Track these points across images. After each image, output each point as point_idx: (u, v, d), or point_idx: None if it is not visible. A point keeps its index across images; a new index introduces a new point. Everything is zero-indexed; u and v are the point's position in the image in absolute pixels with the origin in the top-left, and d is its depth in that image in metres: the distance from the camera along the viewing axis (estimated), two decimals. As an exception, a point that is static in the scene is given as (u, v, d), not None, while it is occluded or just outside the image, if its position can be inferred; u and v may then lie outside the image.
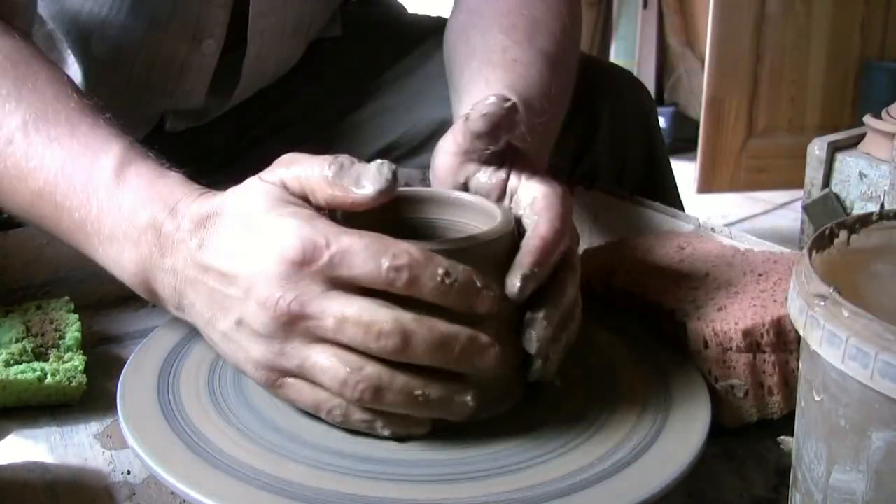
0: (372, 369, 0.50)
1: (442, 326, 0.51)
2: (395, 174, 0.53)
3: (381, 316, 0.50)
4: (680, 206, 1.04)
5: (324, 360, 0.51)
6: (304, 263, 0.51)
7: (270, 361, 0.53)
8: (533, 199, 0.59)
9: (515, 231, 0.58)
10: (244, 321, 0.53)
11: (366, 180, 0.53)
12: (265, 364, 0.53)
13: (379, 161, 0.54)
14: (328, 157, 0.55)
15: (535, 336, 0.54)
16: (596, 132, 0.97)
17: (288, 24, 0.96)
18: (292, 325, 0.51)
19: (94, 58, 0.78)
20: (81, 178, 0.61)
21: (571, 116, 0.93)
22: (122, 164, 0.61)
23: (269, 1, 0.91)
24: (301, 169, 0.55)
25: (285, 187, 0.55)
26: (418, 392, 0.51)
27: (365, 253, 0.50)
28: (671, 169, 1.06)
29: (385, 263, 0.50)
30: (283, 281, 0.51)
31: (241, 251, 0.53)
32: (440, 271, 0.50)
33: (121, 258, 0.60)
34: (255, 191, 0.55)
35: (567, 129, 0.93)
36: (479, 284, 0.51)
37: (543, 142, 0.72)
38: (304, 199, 0.55)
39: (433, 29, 1.05)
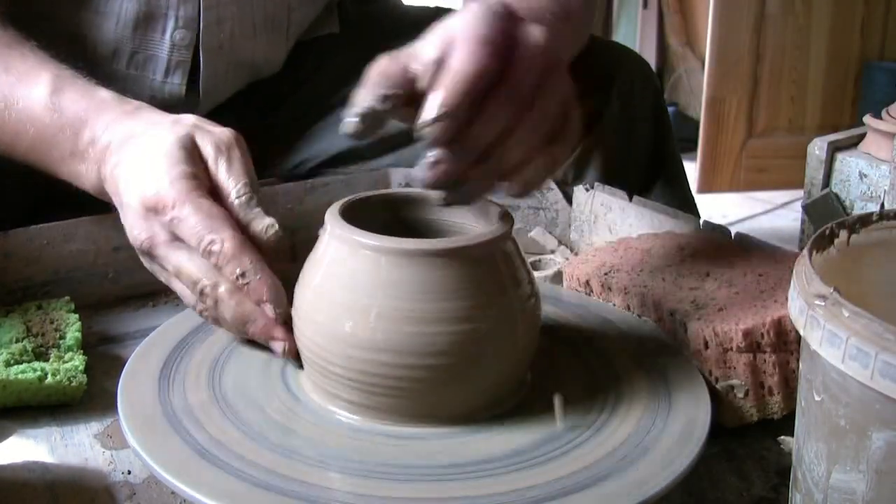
0: (207, 303, 0.60)
1: (247, 307, 0.59)
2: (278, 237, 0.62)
3: (204, 278, 0.60)
4: (689, 192, 1.03)
5: (179, 287, 0.63)
6: (154, 212, 0.61)
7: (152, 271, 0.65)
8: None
9: (512, 233, 0.58)
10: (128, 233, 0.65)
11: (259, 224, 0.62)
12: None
13: (269, 221, 0.62)
14: (244, 177, 0.63)
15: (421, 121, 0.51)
16: (605, 111, 0.96)
17: (258, 18, 0.96)
18: (150, 256, 0.63)
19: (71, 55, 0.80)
20: (23, 106, 0.72)
21: (580, 96, 0.92)
22: (56, 91, 0.71)
23: None
24: (232, 161, 0.63)
25: (195, 146, 0.63)
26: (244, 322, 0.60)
27: (193, 227, 0.59)
28: (679, 158, 1.05)
29: (203, 245, 0.59)
30: (140, 219, 0.62)
31: (129, 179, 0.64)
32: (238, 271, 0.59)
33: (76, 171, 0.70)
34: (168, 135, 0.64)
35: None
36: (264, 297, 0.59)
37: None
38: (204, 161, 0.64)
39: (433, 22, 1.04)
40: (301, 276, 0.58)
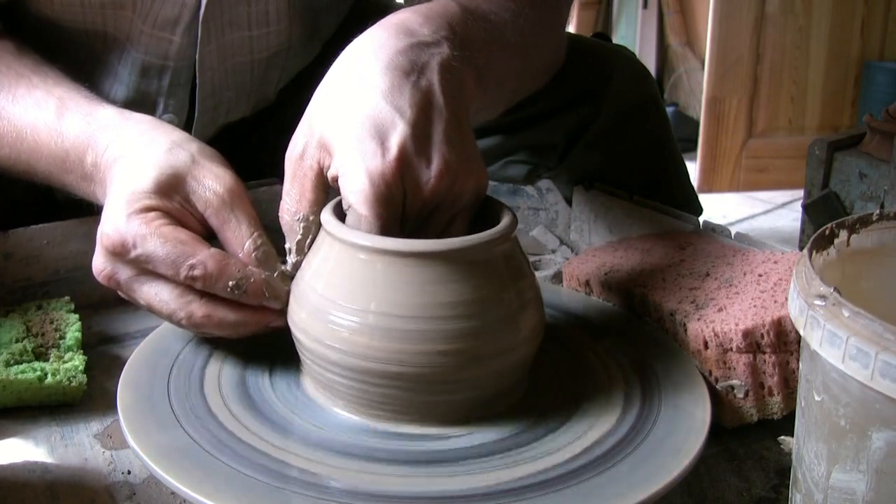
0: (189, 328, 0.61)
1: (230, 318, 0.59)
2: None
3: (178, 310, 0.59)
4: (691, 188, 1.02)
5: (154, 305, 0.60)
6: (115, 253, 0.60)
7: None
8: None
9: (514, 233, 0.58)
10: None
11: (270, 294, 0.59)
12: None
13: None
14: (254, 237, 0.61)
15: None
16: (597, 115, 0.95)
17: (252, 90, 0.95)
18: (116, 288, 0.62)
19: None
20: (31, 135, 0.71)
21: (571, 97, 0.92)
22: (59, 116, 0.71)
23: (220, 79, 0.91)
24: (237, 212, 0.61)
25: (177, 182, 0.61)
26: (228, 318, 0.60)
27: (166, 259, 0.58)
28: (679, 155, 1.03)
29: (183, 272, 0.58)
30: (104, 257, 0.61)
31: (106, 206, 0.62)
32: (231, 283, 0.58)
33: (92, 192, 0.69)
34: (148, 163, 0.62)
35: (566, 109, 0.92)
36: (265, 297, 0.58)
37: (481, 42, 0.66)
38: (184, 208, 0.61)
39: None
40: (299, 275, 0.58)
